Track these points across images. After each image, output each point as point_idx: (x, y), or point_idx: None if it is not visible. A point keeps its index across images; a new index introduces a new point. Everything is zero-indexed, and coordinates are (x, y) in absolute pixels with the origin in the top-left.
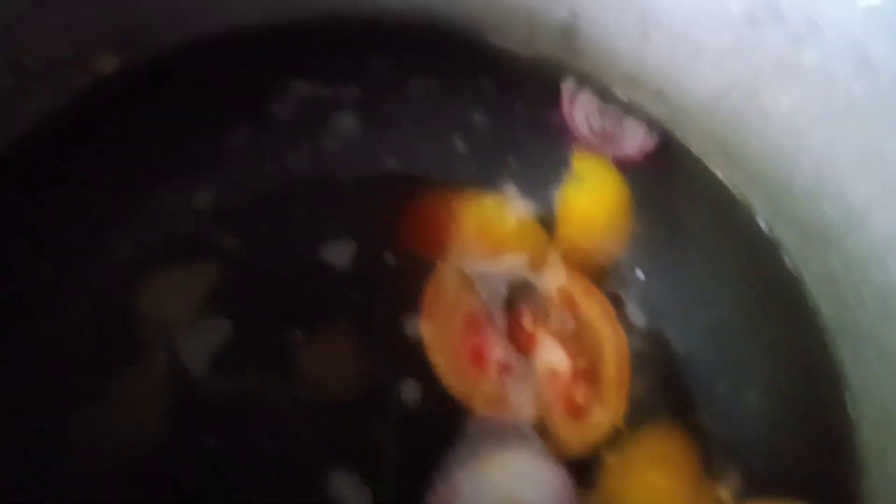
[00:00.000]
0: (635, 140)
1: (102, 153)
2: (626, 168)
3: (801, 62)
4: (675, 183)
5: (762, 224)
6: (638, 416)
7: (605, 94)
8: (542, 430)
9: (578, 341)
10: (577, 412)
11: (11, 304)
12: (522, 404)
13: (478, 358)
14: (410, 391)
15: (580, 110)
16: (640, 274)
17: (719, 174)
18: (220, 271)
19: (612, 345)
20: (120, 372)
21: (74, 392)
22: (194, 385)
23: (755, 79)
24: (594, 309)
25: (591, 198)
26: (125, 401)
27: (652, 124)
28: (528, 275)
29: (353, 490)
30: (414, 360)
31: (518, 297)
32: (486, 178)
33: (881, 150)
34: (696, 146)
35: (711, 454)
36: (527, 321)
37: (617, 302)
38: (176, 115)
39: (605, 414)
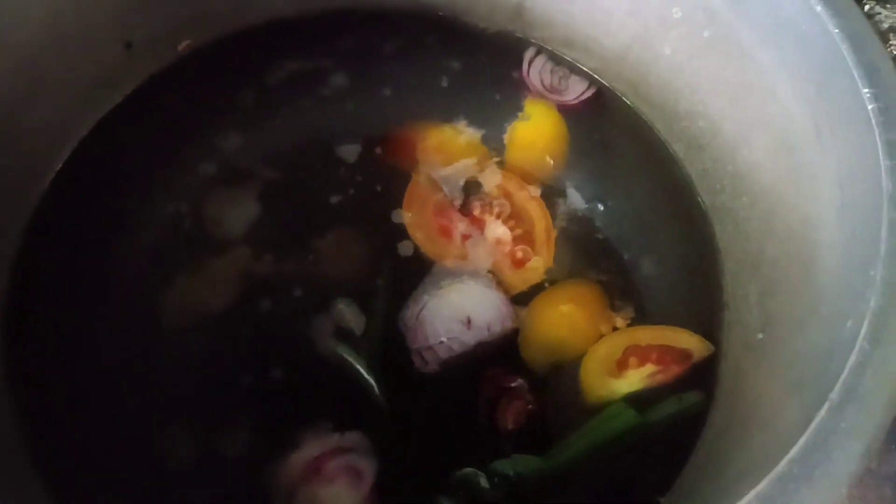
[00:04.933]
0: (576, 92)
1: (173, 111)
2: (567, 111)
3: (673, 17)
4: (603, 118)
5: (662, 139)
6: (563, 271)
7: (556, 59)
8: (494, 276)
9: (515, 218)
10: (518, 263)
11: (123, 208)
12: (479, 259)
13: (445, 232)
14: (397, 255)
15: (535, 70)
16: (573, 177)
17: (633, 108)
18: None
19: (540, 219)
20: (196, 255)
21: (156, 270)
22: (251, 266)
23: (646, 32)
24: (524, 197)
25: (535, 129)
26: (197, 275)
27: (590, 79)
28: (477, 177)
29: (354, 314)
30: (400, 235)
31: (471, 192)
32: (451, 114)
33: (725, 75)
34: (616, 89)
35: (613, 296)
36: (475, 209)
37: (555, 196)
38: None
39: (538, 262)
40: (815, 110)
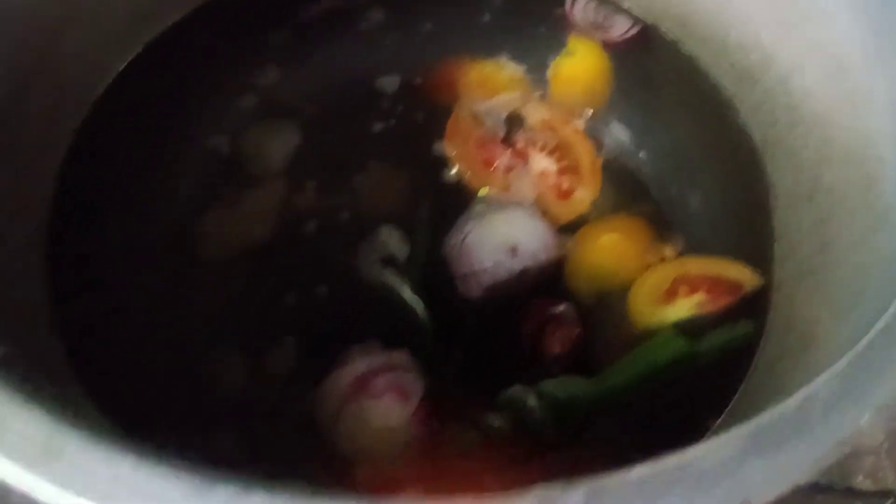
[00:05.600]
0: (621, 29)
1: (210, 47)
2: (611, 48)
3: None
4: (649, 55)
5: (709, 74)
6: (608, 205)
7: None
8: (539, 207)
9: (560, 150)
10: (564, 194)
11: (162, 141)
12: (523, 190)
13: (489, 164)
14: (439, 185)
15: (579, 7)
16: (618, 113)
17: (679, 44)
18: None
19: (585, 152)
20: (236, 188)
21: (195, 202)
22: (292, 198)
23: None
24: (569, 131)
25: (579, 66)
26: (236, 207)
27: (635, 16)
28: (520, 111)
29: (397, 242)
30: (442, 166)
31: (513, 126)
32: (493, 49)
33: (777, 2)
34: (662, 26)
35: (661, 227)
36: (519, 142)
37: (599, 132)
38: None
39: (585, 193)
40: (876, 28)
